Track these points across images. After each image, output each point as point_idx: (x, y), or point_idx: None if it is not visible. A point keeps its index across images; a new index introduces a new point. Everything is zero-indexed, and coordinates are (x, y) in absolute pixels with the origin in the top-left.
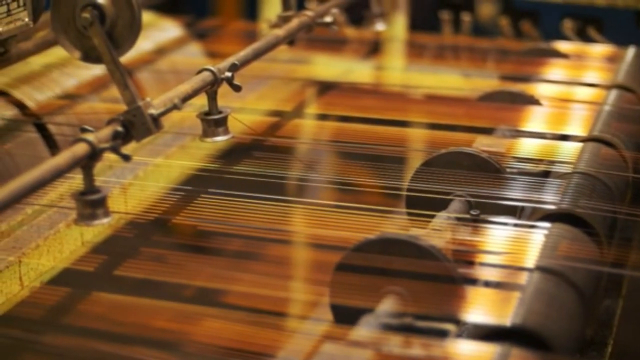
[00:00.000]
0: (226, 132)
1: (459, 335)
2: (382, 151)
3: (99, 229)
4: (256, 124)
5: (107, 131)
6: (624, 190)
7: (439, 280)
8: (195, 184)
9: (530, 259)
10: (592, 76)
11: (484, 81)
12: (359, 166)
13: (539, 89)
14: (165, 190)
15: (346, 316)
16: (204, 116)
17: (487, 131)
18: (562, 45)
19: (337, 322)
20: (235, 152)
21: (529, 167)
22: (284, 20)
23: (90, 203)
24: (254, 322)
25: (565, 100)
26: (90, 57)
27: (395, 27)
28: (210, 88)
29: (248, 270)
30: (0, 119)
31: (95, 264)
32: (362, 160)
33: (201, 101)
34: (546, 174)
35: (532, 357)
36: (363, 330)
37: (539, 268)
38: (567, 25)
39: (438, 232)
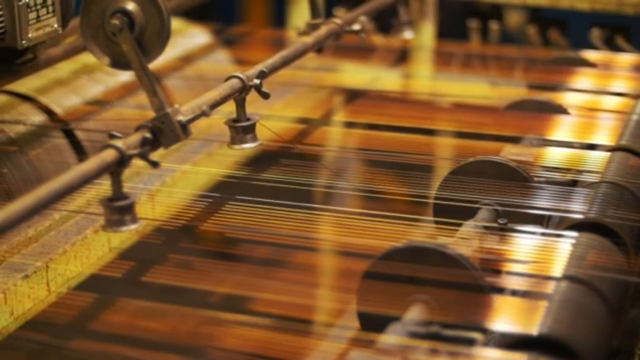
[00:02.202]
0: (254, 139)
1: (486, 344)
2: (410, 159)
3: (126, 235)
4: (284, 131)
5: (135, 137)
6: None
7: (466, 288)
8: (223, 191)
9: (558, 268)
10: (619, 85)
11: (512, 90)
12: (387, 174)
13: (567, 98)
14: (192, 197)
15: (373, 324)
16: (232, 123)
17: (514, 140)
18: (589, 54)
19: (364, 329)
20: (262, 159)
21: (556, 176)
22: (312, 27)
23: (118, 209)
24: (280, 329)
25: (593, 109)
26: (119, 63)
27: (423, 35)
28: (239, 95)
29: (275, 278)
30: (28, 125)
31: (122, 270)
32: (389, 168)
33: (228, 108)
34: (574, 183)
35: None
36: (390, 338)
37: (566, 277)
38: (595, 34)
39: (465, 240)
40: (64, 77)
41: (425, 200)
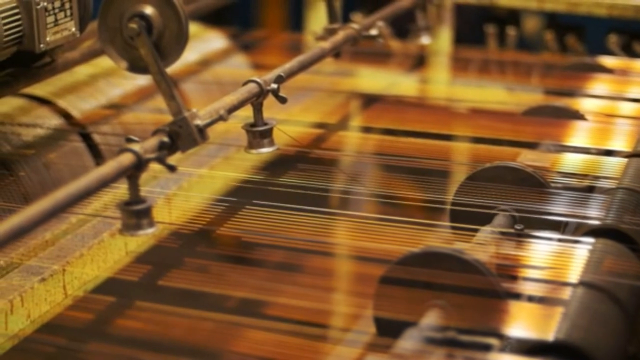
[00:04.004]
0: (271, 143)
1: (502, 349)
2: (427, 164)
3: (143, 239)
4: (301, 136)
5: (153, 141)
6: None
7: (483, 294)
8: (240, 195)
9: (574, 274)
10: (637, 91)
11: (529, 95)
12: (403, 179)
13: (584, 104)
14: (209, 201)
15: (389, 329)
16: (250, 127)
17: (531, 146)
18: (607, 60)
19: (380, 334)
20: (279, 164)
21: (573, 182)
22: (329, 32)
23: (135, 213)
24: (296, 333)
25: (610, 115)
26: (136, 67)
27: (440, 41)
28: (256, 100)
29: (291, 282)
30: (46, 128)
31: (138, 273)
32: (406, 173)
33: (246, 112)
34: (590, 189)
35: None
36: (406, 343)
37: (583, 283)
38: (612, 39)
39: (482, 246)
40: (81, 81)
41: (441, 206)
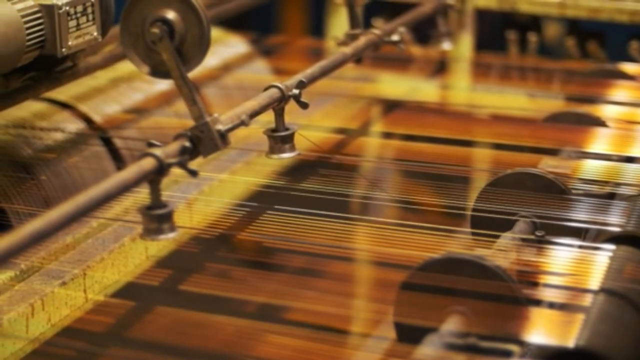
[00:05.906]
0: (292, 149)
1: (523, 356)
2: (447, 171)
3: (164, 243)
4: (322, 141)
5: (174, 146)
6: None
7: (503, 300)
8: (260, 201)
9: (595, 281)
10: None
11: (550, 102)
12: (424, 185)
13: (605, 111)
14: (230, 206)
15: (410, 335)
16: (271, 133)
17: (552, 152)
18: (628, 67)
19: (400, 340)
20: (300, 169)
21: (594, 188)
22: (351, 38)
23: (157, 217)
24: (316, 339)
25: (631, 122)
26: (158, 72)
27: (461, 47)
28: (278, 105)
29: (311, 287)
30: (67, 132)
31: (159, 278)
32: (427, 179)
33: (267, 118)
34: (611, 196)
35: None
36: (427, 349)
37: (604, 290)
38: (634, 46)
39: (503, 252)
40: (102, 85)
41: (462, 212)
